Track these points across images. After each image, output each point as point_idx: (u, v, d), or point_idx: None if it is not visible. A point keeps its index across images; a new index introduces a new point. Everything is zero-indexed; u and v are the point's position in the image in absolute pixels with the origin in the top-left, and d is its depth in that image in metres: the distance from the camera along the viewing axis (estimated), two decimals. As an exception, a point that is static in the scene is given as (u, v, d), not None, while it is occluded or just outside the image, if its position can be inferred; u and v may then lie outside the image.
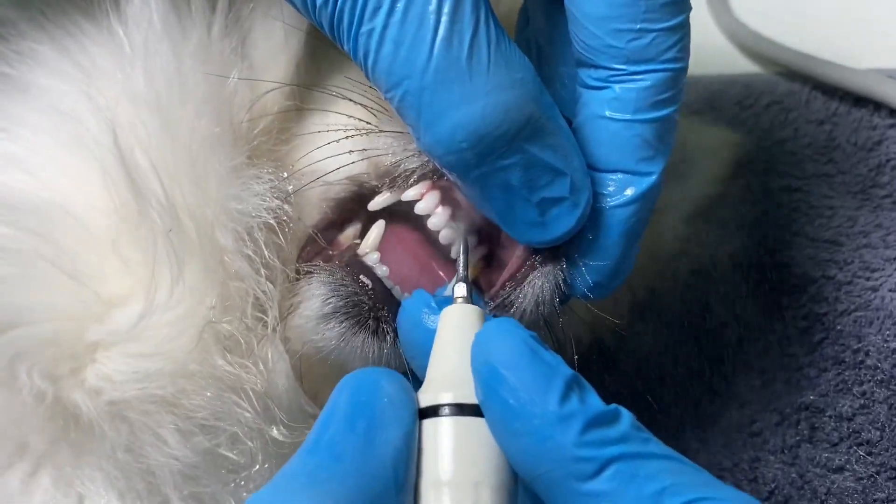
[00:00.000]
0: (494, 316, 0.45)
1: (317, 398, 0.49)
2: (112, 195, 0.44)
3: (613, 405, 0.37)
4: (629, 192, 0.44)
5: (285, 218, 0.47)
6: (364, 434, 0.35)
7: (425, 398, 0.37)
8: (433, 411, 0.37)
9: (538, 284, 0.46)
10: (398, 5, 0.39)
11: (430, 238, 0.49)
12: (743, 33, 0.81)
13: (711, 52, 0.82)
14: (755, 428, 0.61)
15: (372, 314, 0.47)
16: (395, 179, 0.47)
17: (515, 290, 0.46)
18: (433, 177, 0.46)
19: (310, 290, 0.47)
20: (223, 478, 0.45)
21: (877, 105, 0.71)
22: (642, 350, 0.64)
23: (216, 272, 0.45)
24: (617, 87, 0.43)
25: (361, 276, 0.47)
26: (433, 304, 0.43)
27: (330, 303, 0.47)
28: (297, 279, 0.49)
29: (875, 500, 0.56)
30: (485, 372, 0.36)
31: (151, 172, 0.44)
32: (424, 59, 0.39)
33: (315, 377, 0.49)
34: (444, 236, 0.47)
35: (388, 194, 0.48)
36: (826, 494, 0.57)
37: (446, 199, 0.47)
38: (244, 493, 0.46)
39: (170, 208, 0.44)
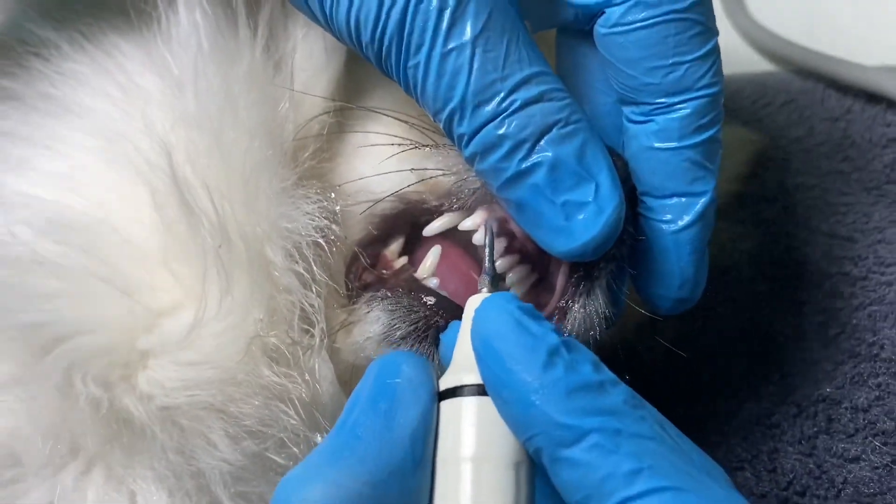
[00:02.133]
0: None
1: None
2: (161, 213, 0.46)
3: (611, 376, 0.38)
4: (688, 216, 0.47)
5: (332, 237, 0.49)
6: (384, 414, 0.38)
7: (448, 381, 0.39)
8: (455, 392, 0.39)
9: (578, 317, 0.48)
10: (438, 40, 0.41)
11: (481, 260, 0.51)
12: (758, 33, 0.82)
13: (727, 51, 0.82)
14: (773, 420, 0.62)
15: (438, 325, 0.48)
16: (451, 201, 0.48)
17: (561, 320, 0.48)
18: (490, 201, 0.47)
19: (373, 314, 0.49)
20: (272, 479, 0.47)
21: (890, 102, 0.72)
22: (662, 346, 0.66)
23: (263, 287, 0.46)
24: (660, 118, 0.46)
25: (426, 299, 0.49)
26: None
27: (398, 329, 0.48)
28: (349, 294, 0.51)
29: (891, 489, 0.56)
30: (478, 345, 0.38)
31: (203, 191, 0.45)
32: (464, 85, 0.42)
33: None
34: (500, 265, 0.48)
35: (446, 219, 0.49)
36: (843, 484, 0.58)
37: (502, 231, 0.48)
38: None
39: (220, 226, 0.45)
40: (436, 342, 0.48)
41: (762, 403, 0.63)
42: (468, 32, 0.41)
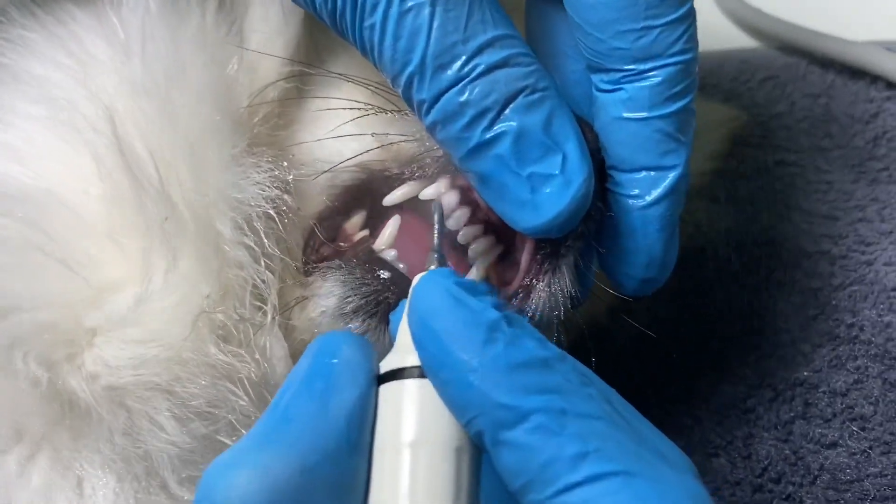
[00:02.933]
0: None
1: None
2: (107, 183, 0.44)
3: (557, 352, 0.36)
4: (657, 190, 0.44)
5: (285, 208, 0.47)
6: (319, 396, 0.35)
7: (389, 362, 0.37)
8: (395, 375, 0.36)
9: (543, 296, 0.46)
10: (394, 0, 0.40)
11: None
12: (739, 8, 0.81)
13: (707, 27, 0.81)
14: (749, 404, 0.60)
15: (388, 301, 0.46)
16: (413, 170, 0.46)
17: (525, 299, 0.46)
18: (452, 170, 0.46)
19: (326, 287, 0.47)
20: None
21: (873, 78, 0.70)
22: (635, 327, 0.64)
23: (212, 261, 0.45)
24: (629, 87, 0.43)
25: (380, 272, 0.47)
26: None
27: (350, 301, 0.46)
28: (306, 269, 0.49)
29: (868, 475, 0.55)
30: (414, 325, 0.36)
31: (148, 160, 0.44)
32: (423, 48, 0.40)
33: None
34: (462, 236, 0.47)
35: (407, 188, 0.47)
36: (819, 470, 0.57)
37: (465, 199, 0.46)
38: None
39: (165, 196, 0.44)
40: (386, 319, 0.45)
41: (737, 387, 0.61)
42: None
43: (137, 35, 0.46)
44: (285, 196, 0.47)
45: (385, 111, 0.47)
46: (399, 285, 0.46)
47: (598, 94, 0.45)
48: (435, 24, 0.40)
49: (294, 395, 0.36)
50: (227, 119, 0.46)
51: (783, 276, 0.64)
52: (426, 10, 0.40)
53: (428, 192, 0.46)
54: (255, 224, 0.46)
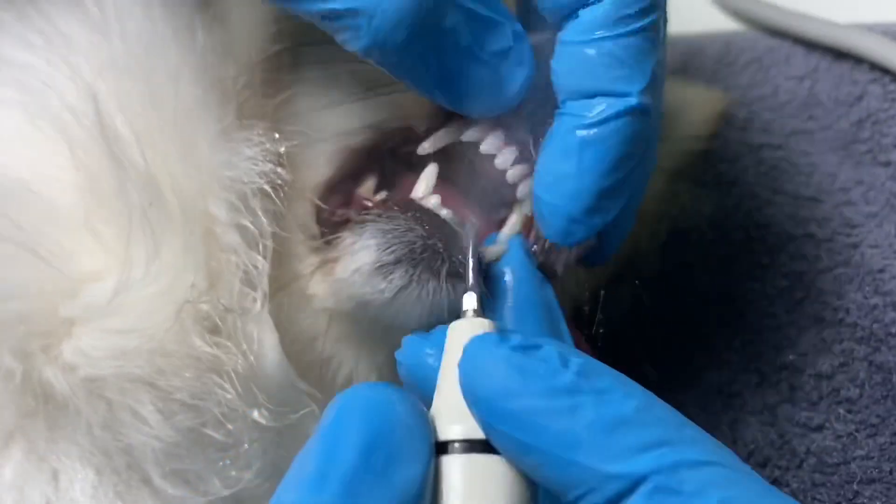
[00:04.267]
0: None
1: (330, 363, 0.47)
2: (85, 169, 0.43)
3: (639, 391, 0.32)
4: (600, 112, 0.41)
5: (280, 182, 0.45)
6: (381, 472, 0.31)
7: (447, 431, 0.33)
8: (443, 447, 0.33)
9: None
10: None
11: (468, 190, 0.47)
12: (723, -9, 0.80)
13: (690, 10, 0.81)
14: (734, 389, 0.60)
15: (443, 256, 0.43)
16: (441, 120, 0.44)
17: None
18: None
19: (361, 241, 0.44)
20: (211, 456, 0.43)
21: (857, 60, 0.69)
22: (619, 312, 0.63)
23: (199, 248, 0.43)
24: (582, 11, 0.41)
25: (423, 218, 0.44)
26: (430, 345, 0.39)
27: (393, 250, 0.43)
28: (323, 235, 0.47)
29: (854, 458, 0.55)
30: (480, 411, 0.33)
31: (133, 143, 0.42)
32: None
33: (332, 340, 0.47)
34: (511, 175, 0.44)
35: (444, 133, 0.45)
36: (806, 454, 0.56)
37: (510, 139, 0.44)
38: (233, 472, 0.44)
39: (150, 181, 0.42)
40: (431, 269, 0.43)
41: (722, 371, 0.61)
42: None
43: (113, 12, 0.44)
44: (279, 169, 0.45)
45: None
46: (444, 232, 0.44)
47: (555, 23, 0.43)
48: None
49: (351, 467, 0.31)
50: (212, 93, 0.45)
51: (768, 259, 0.63)
52: None
53: (471, 135, 0.45)
54: (250, 203, 0.44)
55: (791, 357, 0.60)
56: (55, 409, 0.42)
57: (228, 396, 0.43)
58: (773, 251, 0.63)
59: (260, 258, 0.44)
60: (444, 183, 0.47)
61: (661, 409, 0.33)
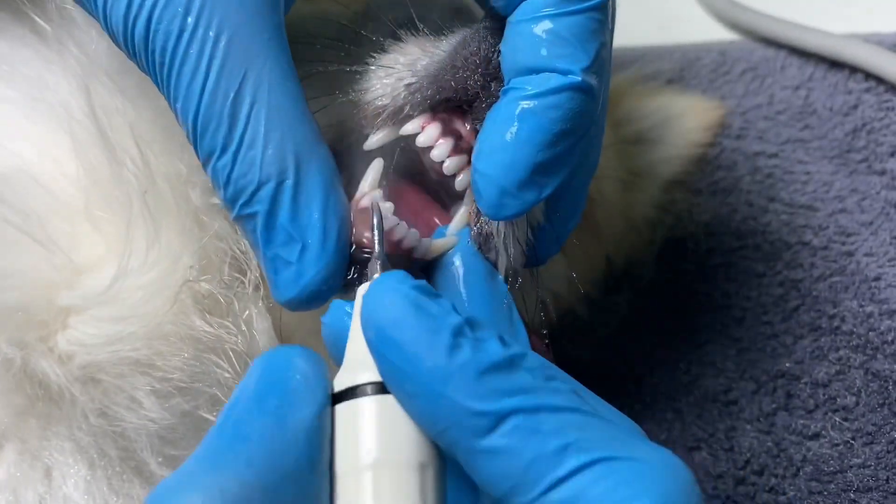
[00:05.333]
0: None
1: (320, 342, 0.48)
2: (82, 159, 0.44)
3: (518, 349, 0.34)
4: (539, 86, 0.40)
5: None
6: (274, 413, 0.34)
7: (341, 380, 0.35)
8: (350, 394, 0.35)
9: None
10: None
11: (424, 185, 0.47)
12: (717, 1, 0.80)
13: (686, 20, 0.81)
14: (731, 396, 0.60)
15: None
16: (390, 116, 0.45)
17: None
18: (431, 109, 0.44)
19: None
20: None
21: (852, 69, 0.70)
22: (616, 319, 0.63)
23: (192, 232, 0.44)
24: None
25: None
26: (351, 306, 0.40)
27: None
28: None
29: (851, 466, 0.55)
30: (371, 336, 0.35)
31: (128, 134, 0.43)
32: (198, 97, 0.39)
33: (304, 334, 0.47)
34: (448, 167, 0.45)
35: (387, 130, 0.45)
36: (802, 462, 0.56)
37: (447, 130, 0.44)
38: None
39: (145, 168, 0.43)
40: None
41: (719, 379, 0.61)
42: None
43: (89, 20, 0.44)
44: None
45: (346, 68, 0.45)
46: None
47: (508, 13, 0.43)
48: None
49: (245, 412, 0.34)
50: None
51: (764, 267, 0.63)
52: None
53: (409, 128, 0.45)
54: None
55: (787, 365, 0.60)
56: (50, 402, 0.42)
57: (227, 376, 0.44)
58: (768, 259, 0.63)
59: (246, 243, 0.45)
60: (398, 178, 0.47)
61: (535, 362, 0.35)
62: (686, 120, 0.68)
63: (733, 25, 0.79)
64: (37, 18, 0.46)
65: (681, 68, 0.76)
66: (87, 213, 0.43)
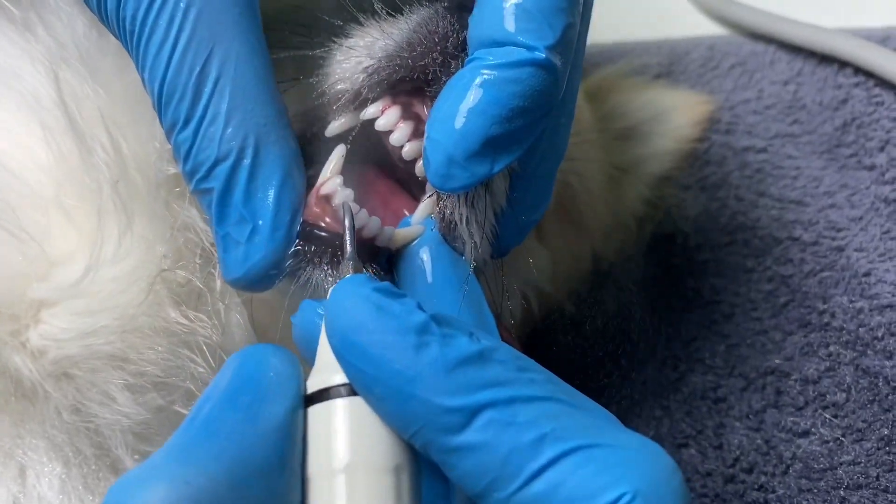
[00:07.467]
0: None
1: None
2: (53, 148, 0.43)
3: (490, 342, 0.34)
4: (500, 55, 0.39)
5: None
6: (246, 409, 0.33)
7: (313, 383, 0.35)
8: (324, 395, 0.34)
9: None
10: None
11: (394, 173, 0.46)
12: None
13: (674, 15, 0.81)
14: (720, 393, 0.59)
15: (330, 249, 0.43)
16: (350, 100, 0.44)
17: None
18: (391, 93, 0.43)
19: None
20: None
21: (842, 64, 0.69)
22: (604, 316, 0.63)
23: (165, 220, 0.43)
24: None
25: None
26: (322, 306, 0.40)
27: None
28: None
29: (841, 464, 0.54)
30: (336, 342, 0.34)
31: (99, 122, 0.43)
32: (164, 67, 0.39)
33: (279, 328, 0.47)
34: (407, 151, 0.43)
35: (348, 116, 0.45)
36: (792, 459, 0.56)
37: (407, 114, 0.44)
38: None
39: (116, 155, 0.43)
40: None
41: (707, 376, 0.60)
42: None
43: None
44: None
45: (309, 53, 0.44)
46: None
47: None
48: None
49: (217, 407, 0.34)
50: None
51: (753, 263, 0.63)
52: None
53: (369, 112, 0.44)
54: None
55: (776, 361, 0.59)
56: (22, 399, 0.42)
57: (200, 370, 0.43)
58: (757, 255, 0.63)
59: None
60: (366, 166, 0.46)
61: (506, 354, 0.34)
62: (674, 115, 0.67)
63: (722, 20, 0.79)
64: (5, 2, 0.45)
65: (669, 63, 0.75)
66: (58, 201, 0.43)
